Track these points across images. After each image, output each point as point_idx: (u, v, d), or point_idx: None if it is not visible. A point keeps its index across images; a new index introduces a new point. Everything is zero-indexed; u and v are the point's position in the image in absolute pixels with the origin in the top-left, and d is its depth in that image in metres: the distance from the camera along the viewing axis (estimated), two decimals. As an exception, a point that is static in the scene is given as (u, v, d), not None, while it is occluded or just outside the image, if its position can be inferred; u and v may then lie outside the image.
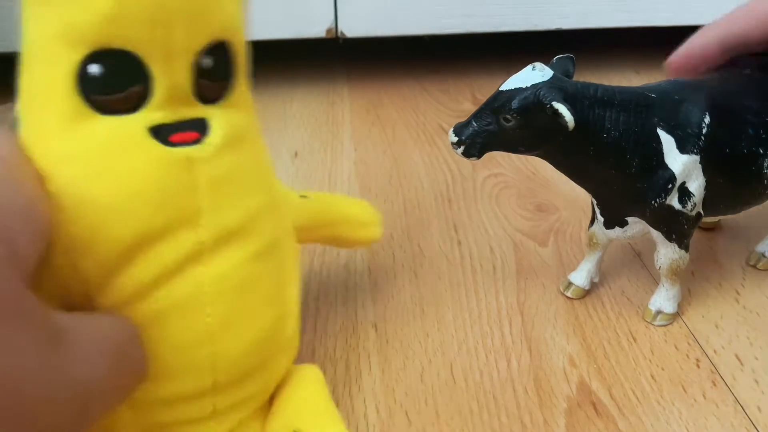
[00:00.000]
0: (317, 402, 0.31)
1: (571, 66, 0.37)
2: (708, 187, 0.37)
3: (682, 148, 0.36)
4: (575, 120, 0.33)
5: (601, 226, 0.41)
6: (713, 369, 0.37)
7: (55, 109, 0.24)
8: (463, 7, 0.75)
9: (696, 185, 0.37)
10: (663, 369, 0.37)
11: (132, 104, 0.25)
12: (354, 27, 0.75)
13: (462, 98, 0.77)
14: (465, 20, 0.76)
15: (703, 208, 0.38)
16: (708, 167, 0.37)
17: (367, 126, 0.70)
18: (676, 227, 0.38)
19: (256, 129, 0.30)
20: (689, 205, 0.37)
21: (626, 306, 0.42)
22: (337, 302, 0.43)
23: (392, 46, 0.92)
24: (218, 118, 0.27)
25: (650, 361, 0.38)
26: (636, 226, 0.39)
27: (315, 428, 0.29)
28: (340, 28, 0.75)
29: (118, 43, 0.24)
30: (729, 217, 0.48)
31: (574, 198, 0.55)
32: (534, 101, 0.33)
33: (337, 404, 0.35)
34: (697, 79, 0.39)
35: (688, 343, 0.39)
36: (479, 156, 0.36)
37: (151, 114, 0.25)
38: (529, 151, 0.36)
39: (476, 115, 0.35)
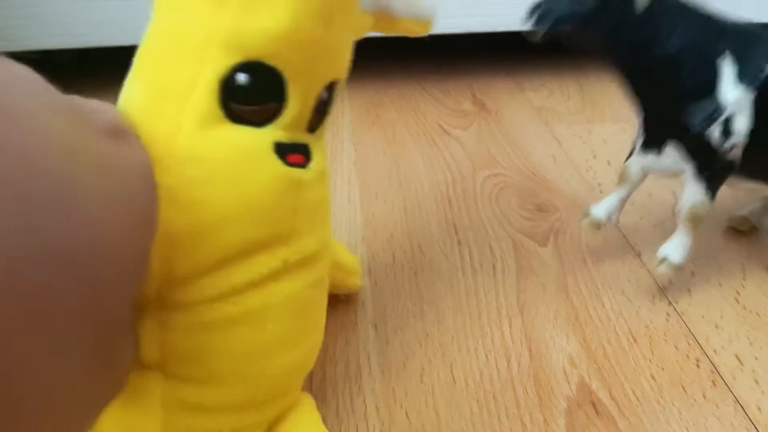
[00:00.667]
0: (309, 424, 0.31)
1: None
2: (753, 136, 0.37)
3: (739, 80, 0.36)
4: (647, 8, 0.34)
5: (639, 153, 0.41)
6: (713, 369, 0.37)
7: (191, 107, 0.24)
8: (463, 7, 0.75)
9: (741, 126, 0.37)
10: (663, 369, 0.37)
11: (263, 119, 0.26)
12: (354, 27, 0.75)
13: (462, 98, 0.77)
14: (465, 20, 0.76)
15: (742, 161, 0.38)
16: (760, 113, 0.37)
17: (367, 126, 0.70)
18: (708, 163, 0.38)
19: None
20: (728, 144, 0.37)
21: (626, 306, 0.42)
22: (338, 302, 0.43)
23: (392, 46, 0.92)
24: (315, 148, 0.28)
25: (650, 361, 0.38)
26: (670, 157, 0.39)
27: None
28: (340, 28, 0.74)
29: (272, 59, 0.25)
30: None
31: (574, 198, 0.55)
32: None
33: (337, 404, 0.35)
34: None
35: (688, 343, 0.39)
36: (548, 31, 0.35)
37: (276, 132, 0.26)
38: (598, 39, 0.36)
39: None
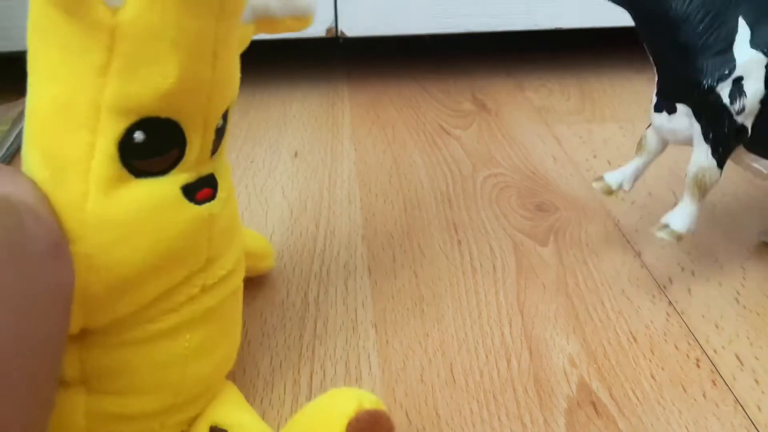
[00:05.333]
0: (231, 401, 0.32)
1: None
2: (764, 107, 0.37)
3: (754, 43, 0.37)
4: None
5: (652, 113, 0.41)
6: (713, 369, 0.37)
7: (93, 173, 0.24)
8: (463, 7, 0.75)
9: (753, 88, 0.37)
10: (663, 369, 0.37)
11: (167, 166, 0.26)
12: (354, 27, 0.75)
13: (462, 98, 0.77)
14: (465, 20, 0.76)
15: (752, 131, 0.38)
16: None
17: (367, 126, 0.70)
18: (716, 125, 0.38)
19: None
20: (737, 105, 0.37)
21: (626, 306, 0.42)
22: (337, 302, 0.43)
23: (392, 46, 0.92)
24: (218, 171, 0.29)
25: (650, 361, 0.38)
26: (682, 119, 0.39)
27: (230, 418, 0.30)
28: (340, 27, 0.75)
29: (165, 112, 0.25)
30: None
31: (574, 198, 0.55)
32: None
33: (337, 404, 0.35)
34: None
35: (688, 343, 0.39)
36: None
37: (182, 174, 0.26)
38: None
39: None
